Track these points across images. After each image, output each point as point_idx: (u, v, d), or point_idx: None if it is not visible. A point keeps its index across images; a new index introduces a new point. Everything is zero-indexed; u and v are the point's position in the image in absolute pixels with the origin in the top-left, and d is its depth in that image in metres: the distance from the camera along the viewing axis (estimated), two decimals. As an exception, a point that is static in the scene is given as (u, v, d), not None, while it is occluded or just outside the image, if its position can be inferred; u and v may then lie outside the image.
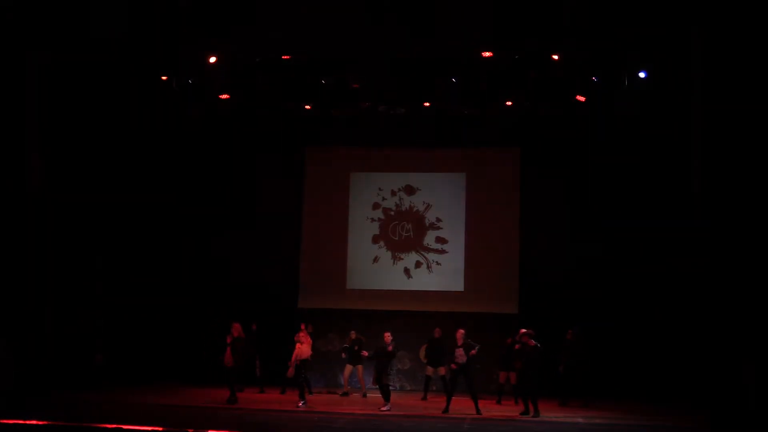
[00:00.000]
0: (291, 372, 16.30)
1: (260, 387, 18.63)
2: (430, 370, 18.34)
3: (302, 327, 17.18)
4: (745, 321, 14.20)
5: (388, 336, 16.63)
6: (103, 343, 19.08)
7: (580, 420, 15.36)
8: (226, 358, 16.21)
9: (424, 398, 18.15)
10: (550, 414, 15.92)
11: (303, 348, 16.26)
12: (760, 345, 14.14)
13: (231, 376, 16.33)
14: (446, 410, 15.76)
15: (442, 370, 17.92)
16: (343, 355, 18.81)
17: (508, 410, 16.77)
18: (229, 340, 16.24)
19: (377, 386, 16.42)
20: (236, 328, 16.36)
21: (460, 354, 15.85)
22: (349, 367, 18.72)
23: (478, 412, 15.56)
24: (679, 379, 17.92)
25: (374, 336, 18.23)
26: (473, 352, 15.77)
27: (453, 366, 15.93)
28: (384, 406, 15.86)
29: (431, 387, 18.55)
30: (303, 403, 15.96)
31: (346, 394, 18.71)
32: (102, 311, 19.21)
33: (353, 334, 18.76)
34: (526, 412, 15.64)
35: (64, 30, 16.76)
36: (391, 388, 16.37)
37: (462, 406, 16.17)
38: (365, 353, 17.47)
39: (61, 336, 17.42)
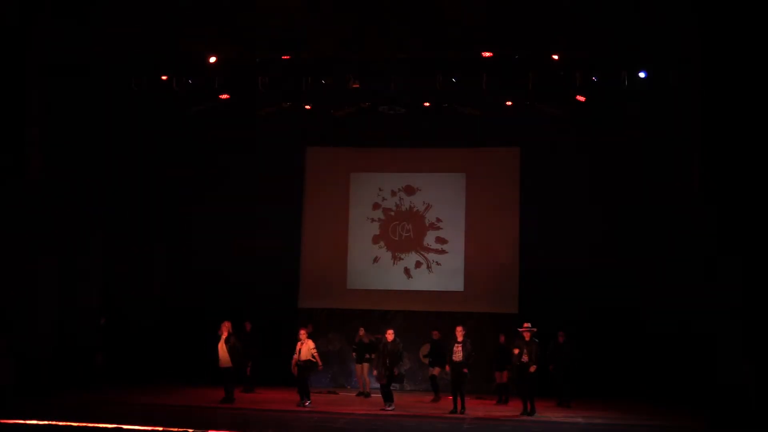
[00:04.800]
0: (294, 370, 16.26)
1: (247, 386, 18.23)
2: (437, 370, 18.15)
3: (301, 330, 16.82)
4: (745, 320, 14.15)
5: (390, 333, 16.52)
6: (103, 343, 19.06)
7: (580, 420, 15.37)
8: (220, 358, 16.24)
9: (436, 399, 17.90)
10: (549, 414, 15.95)
11: (302, 351, 16.20)
12: (760, 345, 14.09)
13: (224, 376, 16.33)
14: (454, 410, 15.80)
15: (437, 370, 17.98)
16: (353, 355, 18.92)
17: (508, 410, 16.80)
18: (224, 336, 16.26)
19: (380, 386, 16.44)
20: (226, 327, 16.34)
21: (458, 351, 15.94)
22: (364, 366, 18.63)
23: (462, 410, 15.71)
24: (678, 379, 17.90)
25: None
26: (465, 370, 15.90)
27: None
28: (388, 406, 15.87)
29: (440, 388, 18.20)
30: (308, 403, 15.97)
31: (363, 394, 18.45)
32: (102, 311, 19.17)
33: (362, 331, 18.74)
34: (526, 412, 15.68)
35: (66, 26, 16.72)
36: (391, 387, 16.32)
37: (466, 405, 16.10)
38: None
39: (61, 336, 17.37)
